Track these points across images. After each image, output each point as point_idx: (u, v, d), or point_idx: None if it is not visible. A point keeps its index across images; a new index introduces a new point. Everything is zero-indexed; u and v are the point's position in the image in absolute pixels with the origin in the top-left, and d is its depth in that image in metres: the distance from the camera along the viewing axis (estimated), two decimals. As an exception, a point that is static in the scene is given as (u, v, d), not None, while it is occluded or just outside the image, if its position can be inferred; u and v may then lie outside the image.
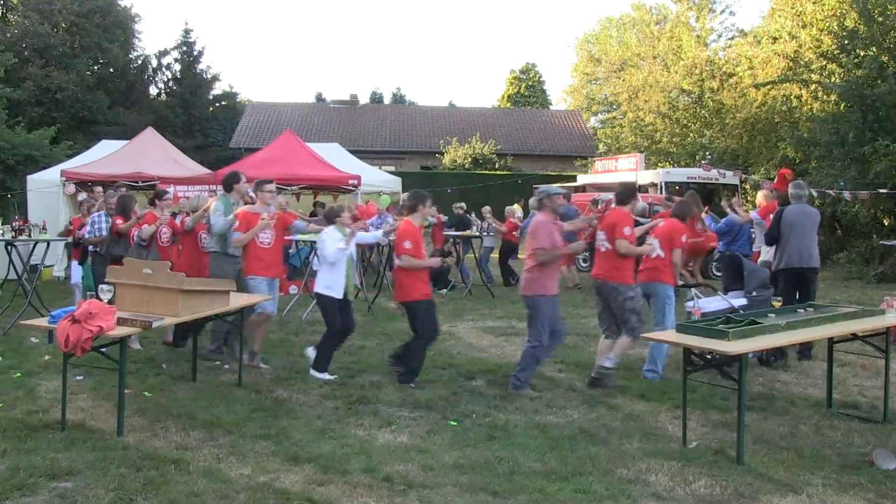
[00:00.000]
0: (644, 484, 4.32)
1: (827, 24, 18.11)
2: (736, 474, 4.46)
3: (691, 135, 24.61)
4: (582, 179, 22.14)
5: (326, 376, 6.54)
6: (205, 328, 7.26)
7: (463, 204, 14.73)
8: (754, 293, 6.90)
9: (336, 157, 15.61)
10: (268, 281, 6.92)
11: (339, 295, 6.61)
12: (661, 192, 16.53)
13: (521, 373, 6.25)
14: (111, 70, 36.05)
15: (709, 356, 5.04)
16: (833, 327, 5.44)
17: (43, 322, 5.26)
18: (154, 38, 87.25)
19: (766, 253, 8.47)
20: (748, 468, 4.57)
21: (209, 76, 39.28)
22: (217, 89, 40.44)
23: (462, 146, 31.54)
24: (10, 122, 21.29)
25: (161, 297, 5.30)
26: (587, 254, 14.00)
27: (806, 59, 19.34)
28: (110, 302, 5.19)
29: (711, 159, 22.76)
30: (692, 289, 7.63)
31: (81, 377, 6.34)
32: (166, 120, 34.45)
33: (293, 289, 11.55)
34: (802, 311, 5.91)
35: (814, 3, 19.25)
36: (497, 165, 31.27)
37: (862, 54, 16.29)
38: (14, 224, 9.40)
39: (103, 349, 5.08)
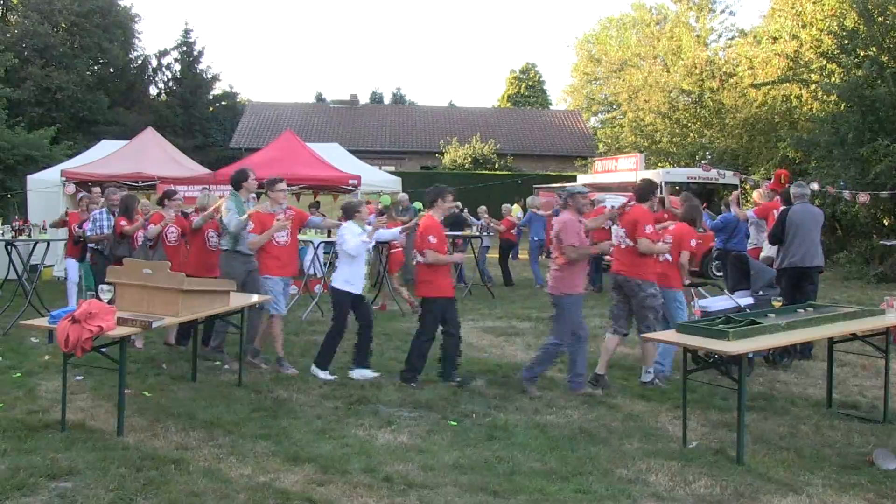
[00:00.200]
0: (644, 484, 4.32)
1: (827, 24, 18.11)
2: (736, 474, 4.46)
3: (691, 135, 24.61)
4: (582, 179, 22.12)
5: (327, 376, 6.52)
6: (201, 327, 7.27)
7: (458, 203, 14.71)
8: (761, 292, 6.92)
9: (336, 157, 15.60)
10: (284, 281, 6.87)
11: (358, 290, 6.55)
12: (661, 193, 16.52)
13: (536, 366, 6.25)
14: (111, 70, 36.08)
15: (711, 358, 5.05)
16: (833, 327, 5.44)
17: (43, 322, 5.26)
18: (154, 38, 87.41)
19: (768, 249, 8.51)
20: (748, 468, 4.57)
21: (209, 76, 39.31)
22: (217, 89, 40.52)
23: (462, 146, 31.55)
24: (10, 122, 21.31)
25: (161, 297, 5.30)
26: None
27: (806, 59, 19.34)
28: (110, 302, 5.19)
29: (711, 159, 22.76)
30: (698, 287, 7.66)
31: (81, 377, 6.34)
32: (166, 120, 34.46)
33: (293, 288, 11.54)
34: (802, 311, 5.91)
35: (814, 3, 19.26)
36: (497, 165, 31.28)
37: (862, 54, 16.29)
38: (14, 224, 9.40)
39: (103, 349, 5.08)
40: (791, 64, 19.79)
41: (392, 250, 10.86)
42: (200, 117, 37.42)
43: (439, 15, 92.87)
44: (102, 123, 32.18)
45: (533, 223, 14.15)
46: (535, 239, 14.09)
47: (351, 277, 6.55)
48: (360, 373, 6.58)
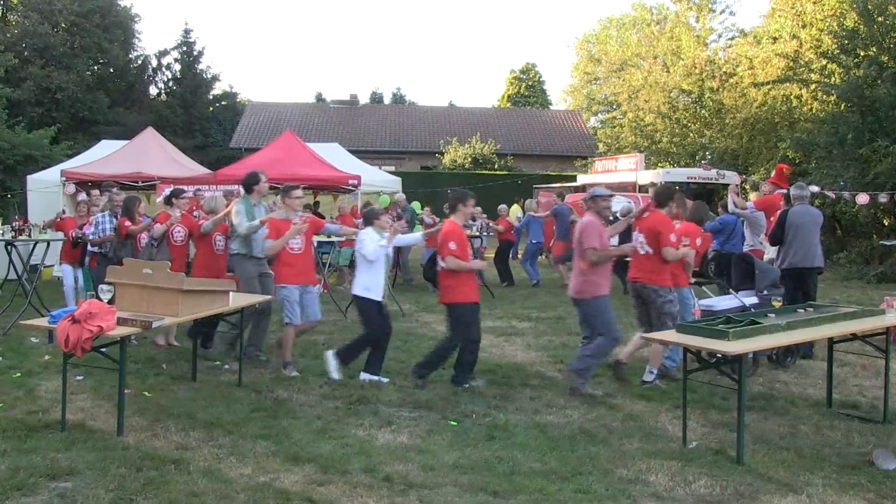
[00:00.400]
0: (644, 484, 4.32)
1: (827, 24, 18.12)
2: (736, 474, 4.46)
3: (691, 135, 24.63)
4: (582, 179, 22.15)
5: (334, 371, 6.45)
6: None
7: None
8: (765, 292, 6.94)
9: (336, 157, 15.61)
10: (300, 288, 6.78)
11: (378, 297, 6.47)
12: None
13: (591, 360, 6.22)
14: (111, 70, 36.10)
15: (714, 358, 5.05)
16: (833, 327, 5.44)
17: (43, 322, 5.26)
18: (154, 38, 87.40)
19: (771, 251, 8.59)
20: (748, 468, 4.56)
21: (209, 76, 39.34)
22: (217, 89, 40.55)
23: (462, 146, 31.55)
24: (10, 122, 21.32)
25: (161, 297, 5.29)
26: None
27: (806, 59, 19.35)
28: (110, 302, 5.19)
29: (711, 159, 22.77)
30: (703, 287, 7.69)
31: (81, 377, 6.34)
32: (166, 120, 34.48)
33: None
34: (802, 311, 5.91)
35: (814, 3, 19.27)
36: (497, 165, 31.28)
37: (862, 54, 16.30)
38: (14, 224, 9.40)
39: (103, 349, 5.08)
40: (791, 64, 19.80)
41: None
42: (200, 117, 37.44)
43: (439, 15, 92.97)
44: (102, 123, 32.21)
45: (531, 226, 14.15)
46: (534, 242, 14.07)
47: (371, 284, 6.46)
48: (369, 378, 6.51)
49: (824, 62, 18.05)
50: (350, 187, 13.69)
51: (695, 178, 17.73)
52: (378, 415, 5.55)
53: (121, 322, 4.95)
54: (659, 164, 24.24)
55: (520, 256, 14.89)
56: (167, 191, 11.34)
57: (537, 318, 10.07)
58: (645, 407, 5.88)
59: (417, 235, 7.82)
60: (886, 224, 17.55)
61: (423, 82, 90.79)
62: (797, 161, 19.03)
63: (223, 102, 40.75)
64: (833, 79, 17.37)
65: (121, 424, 4.94)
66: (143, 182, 13.01)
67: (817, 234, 7.88)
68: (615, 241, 6.88)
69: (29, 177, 14.81)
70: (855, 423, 5.55)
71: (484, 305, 11.31)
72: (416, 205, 15.20)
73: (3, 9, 34.69)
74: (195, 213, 8.61)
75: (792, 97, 20.14)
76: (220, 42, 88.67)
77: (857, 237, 17.53)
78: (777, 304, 6.24)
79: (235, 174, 13.04)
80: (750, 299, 6.89)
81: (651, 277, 6.40)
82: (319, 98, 44.47)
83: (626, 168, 19.61)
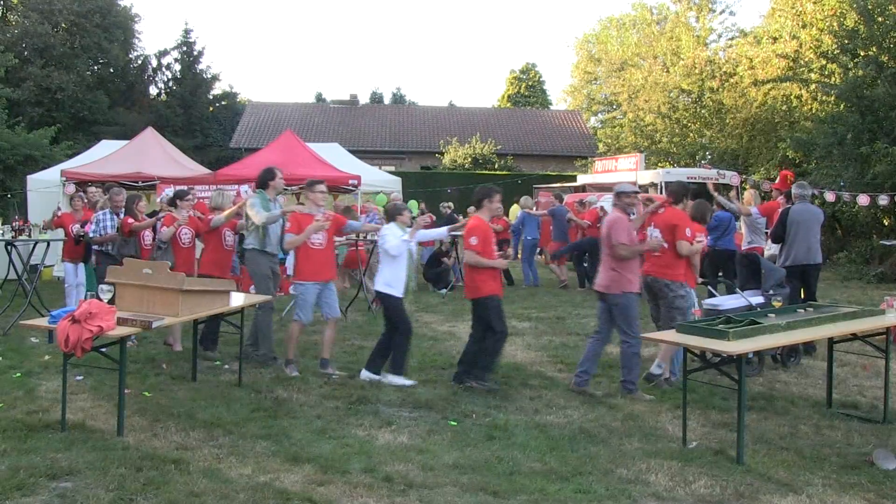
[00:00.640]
0: (644, 484, 4.32)
1: (827, 24, 18.12)
2: (736, 474, 4.46)
3: (691, 135, 24.61)
4: (582, 179, 22.12)
5: (405, 381, 6.35)
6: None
7: (450, 203, 14.71)
8: (771, 291, 6.96)
9: (336, 157, 15.60)
10: (320, 286, 6.71)
11: (398, 293, 6.45)
12: (662, 193, 16.54)
13: (630, 374, 6.17)
14: (111, 70, 36.08)
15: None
16: (833, 327, 5.45)
17: (43, 322, 5.26)
18: (154, 38, 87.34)
19: (773, 248, 8.66)
20: (748, 468, 4.57)
21: (209, 76, 39.26)
22: (217, 89, 40.45)
23: (462, 146, 31.53)
24: (10, 122, 21.33)
25: (161, 297, 5.30)
26: (587, 254, 14.02)
27: (806, 59, 19.35)
28: (110, 302, 5.19)
29: (711, 159, 22.77)
30: (709, 286, 7.72)
31: (81, 377, 6.34)
32: (166, 120, 34.45)
33: (294, 289, 11.53)
34: (802, 311, 5.91)
35: (814, 3, 19.27)
36: (497, 165, 31.25)
37: (862, 54, 16.31)
38: (14, 224, 9.40)
39: (103, 349, 5.09)
40: (791, 64, 19.80)
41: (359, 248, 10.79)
42: (200, 117, 37.39)
43: (439, 15, 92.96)
44: (102, 123, 32.19)
45: (526, 223, 14.16)
46: (529, 238, 14.09)
47: (392, 280, 6.43)
48: (369, 377, 6.49)
49: (824, 62, 18.06)
50: (350, 187, 13.69)
51: (695, 179, 17.72)
52: (378, 415, 5.56)
53: (121, 322, 4.95)
54: (659, 164, 24.22)
55: (519, 255, 14.90)
56: (167, 191, 11.34)
57: (537, 318, 10.07)
58: (645, 407, 5.88)
59: (443, 230, 7.81)
60: (886, 224, 17.56)
61: (423, 82, 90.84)
62: (797, 161, 19.04)
63: (223, 102, 40.70)
64: (833, 79, 17.37)
65: (121, 424, 4.94)
66: (143, 182, 13.00)
67: (818, 231, 8.02)
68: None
69: (29, 177, 14.81)
70: (855, 423, 5.56)
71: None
72: (412, 204, 15.20)
73: (3, 9, 34.68)
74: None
75: (792, 97, 20.14)
76: (220, 42, 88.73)
77: (857, 237, 17.55)
78: (777, 304, 6.24)
79: (235, 174, 13.06)
80: (756, 298, 6.92)
81: (664, 272, 6.43)
82: (319, 98, 44.45)
83: (626, 168, 19.57)
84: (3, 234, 9.27)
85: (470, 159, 30.93)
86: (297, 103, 38.92)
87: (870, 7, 16.02)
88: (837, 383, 6.47)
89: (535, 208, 15.22)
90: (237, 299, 6.41)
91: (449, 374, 6.85)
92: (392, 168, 27.33)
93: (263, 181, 7.21)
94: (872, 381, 6.69)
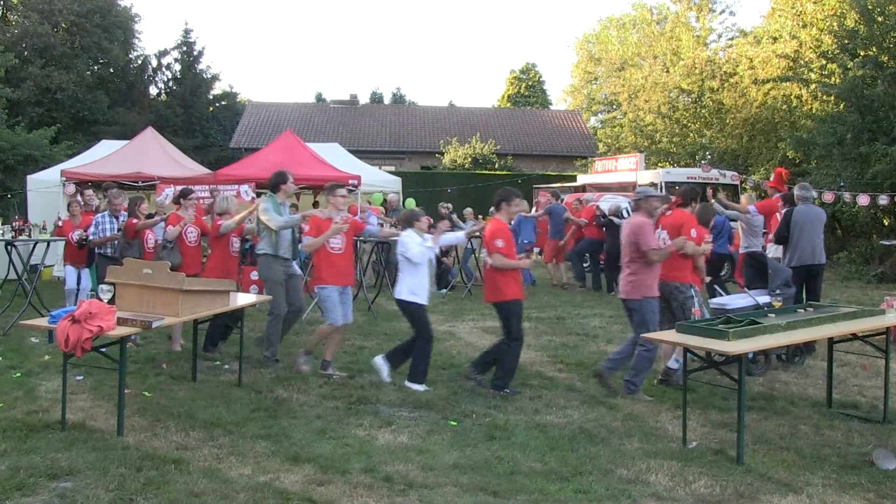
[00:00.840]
0: (644, 484, 4.32)
1: (827, 24, 18.13)
2: (736, 474, 4.46)
3: (691, 135, 24.63)
4: (582, 179, 22.14)
5: (423, 387, 6.27)
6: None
7: (449, 204, 14.71)
8: (777, 291, 6.98)
9: (336, 157, 15.61)
10: (339, 290, 6.66)
11: (424, 301, 6.34)
12: (661, 192, 16.54)
13: (636, 377, 6.14)
14: (111, 70, 36.10)
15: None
16: (833, 327, 5.44)
17: (43, 322, 5.26)
18: (154, 38, 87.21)
19: (776, 250, 8.70)
20: (748, 468, 4.57)
21: (209, 76, 39.28)
22: (217, 89, 40.47)
23: (462, 146, 31.54)
24: (10, 122, 21.36)
25: (161, 297, 5.30)
26: (587, 255, 14.03)
27: (806, 59, 19.36)
28: (110, 302, 5.19)
29: (711, 159, 22.78)
30: (715, 287, 7.75)
31: (81, 377, 6.34)
32: (166, 120, 34.46)
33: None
34: (802, 311, 5.91)
35: (814, 3, 19.28)
36: (497, 165, 31.26)
37: (862, 54, 16.32)
38: (14, 224, 9.41)
39: (103, 349, 5.08)
40: (791, 64, 19.81)
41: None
42: (200, 117, 37.41)
43: (439, 15, 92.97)
44: (102, 123, 32.21)
45: (522, 226, 14.14)
46: (525, 242, 14.05)
47: (415, 287, 6.33)
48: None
49: (824, 62, 18.07)
50: (350, 187, 13.69)
51: (695, 179, 17.74)
52: (378, 415, 5.55)
53: (121, 322, 4.95)
54: (659, 164, 24.24)
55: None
56: (167, 191, 11.33)
57: (537, 318, 10.07)
58: (645, 407, 5.88)
59: (461, 234, 7.77)
60: (886, 224, 17.57)
61: (423, 82, 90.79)
62: (797, 161, 19.04)
63: (223, 102, 40.72)
64: (833, 79, 17.38)
65: (121, 424, 4.94)
66: (143, 182, 13.01)
67: (821, 231, 8.10)
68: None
69: (29, 177, 14.82)
70: (855, 423, 5.56)
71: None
72: (410, 202, 15.21)
73: (3, 9, 34.70)
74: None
75: (792, 97, 20.15)
76: (220, 42, 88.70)
77: (857, 237, 17.56)
78: (777, 304, 6.25)
79: (235, 174, 13.06)
80: (763, 298, 6.95)
81: (672, 274, 6.41)
82: (319, 98, 44.46)
83: (626, 168, 19.59)
84: (3, 234, 9.27)
85: (470, 159, 30.94)
86: (297, 103, 38.91)
87: (870, 7, 16.03)
88: (837, 383, 6.47)
89: (535, 209, 15.22)
90: (243, 300, 6.40)
91: (449, 374, 6.86)
92: (392, 168, 27.34)
93: (275, 185, 7.09)
94: (872, 381, 6.69)
